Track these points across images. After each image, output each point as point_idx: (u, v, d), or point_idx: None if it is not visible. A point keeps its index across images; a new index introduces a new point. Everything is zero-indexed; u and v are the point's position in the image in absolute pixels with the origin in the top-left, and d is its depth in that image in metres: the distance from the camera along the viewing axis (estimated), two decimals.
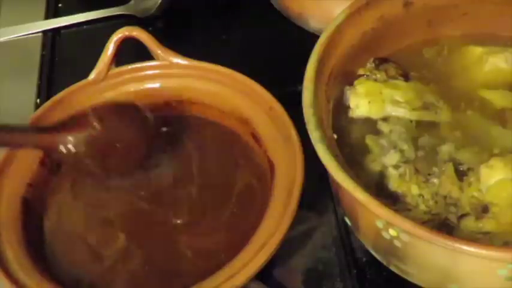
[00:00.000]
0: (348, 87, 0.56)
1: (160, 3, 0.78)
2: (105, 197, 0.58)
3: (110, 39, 0.60)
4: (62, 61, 0.77)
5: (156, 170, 0.59)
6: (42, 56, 0.78)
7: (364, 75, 0.57)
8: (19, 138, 0.53)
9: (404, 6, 0.58)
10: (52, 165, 0.58)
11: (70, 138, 0.52)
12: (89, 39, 0.79)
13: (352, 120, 0.55)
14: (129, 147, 0.55)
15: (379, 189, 0.51)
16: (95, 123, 0.53)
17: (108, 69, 0.61)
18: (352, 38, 0.56)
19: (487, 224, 0.48)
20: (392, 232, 0.47)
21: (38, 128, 0.55)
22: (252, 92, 0.59)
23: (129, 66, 0.62)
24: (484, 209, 0.49)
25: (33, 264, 0.52)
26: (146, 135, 0.56)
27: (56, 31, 0.80)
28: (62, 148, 0.52)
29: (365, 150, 0.53)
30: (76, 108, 0.60)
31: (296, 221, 0.50)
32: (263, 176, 0.56)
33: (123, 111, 0.56)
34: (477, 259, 0.44)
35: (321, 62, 0.53)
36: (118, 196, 0.58)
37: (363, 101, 0.55)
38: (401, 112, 0.55)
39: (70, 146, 0.52)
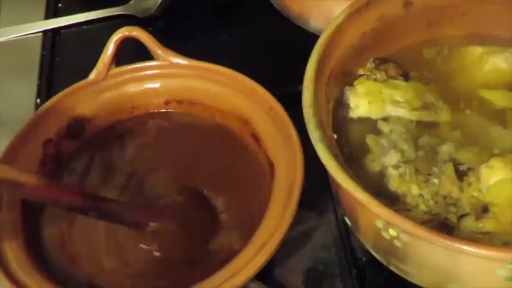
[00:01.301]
0: (348, 87, 0.56)
1: (161, 3, 0.78)
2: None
3: (110, 39, 0.60)
4: (62, 61, 0.77)
5: (156, 171, 0.59)
6: (42, 56, 0.78)
7: (364, 75, 0.57)
8: (118, 210, 0.53)
9: (404, 6, 0.58)
10: (52, 166, 0.59)
11: (157, 224, 0.54)
12: (89, 39, 0.79)
13: (352, 120, 0.55)
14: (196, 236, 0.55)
15: (379, 189, 0.51)
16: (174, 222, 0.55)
17: (108, 69, 0.61)
18: (352, 38, 0.56)
19: (487, 224, 0.48)
20: (392, 232, 0.47)
21: (134, 205, 0.56)
22: (252, 92, 0.59)
23: (129, 66, 0.62)
24: (484, 209, 0.49)
25: (33, 264, 0.52)
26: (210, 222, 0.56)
27: (56, 31, 0.80)
28: (152, 228, 0.54)
29: (365, 150, 0.53)
30: (76, 108, 0.61)
31: (296, 221, 0.50)
32: (263, 176, 0.56)
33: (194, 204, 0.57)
34: (477, 259, 0.44)
35: (321, 62, 0.53)
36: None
37: (363, 101, 0.55)
38: (401, 112, 0.55)
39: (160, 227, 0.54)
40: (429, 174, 0.51)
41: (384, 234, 0.48)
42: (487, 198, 0.49)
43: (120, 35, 0.60)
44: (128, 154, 0.61)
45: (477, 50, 0.59)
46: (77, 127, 0.61)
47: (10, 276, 0.50)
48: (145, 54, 0.61)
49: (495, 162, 0.50)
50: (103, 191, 0.57)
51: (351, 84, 0.56)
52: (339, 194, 0.53)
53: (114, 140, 0.62)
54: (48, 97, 0.66)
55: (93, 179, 0.59)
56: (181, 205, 0.56)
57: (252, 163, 0.58)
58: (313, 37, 0.56)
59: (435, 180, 0.51)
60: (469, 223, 0.49)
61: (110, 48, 0.60)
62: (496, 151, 0.52)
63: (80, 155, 0.60)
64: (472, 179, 0.50)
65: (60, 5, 0.84)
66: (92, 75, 0.61)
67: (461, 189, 0.50)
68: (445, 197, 0.50)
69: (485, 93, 0.56)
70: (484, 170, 0.50)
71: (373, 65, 0.58)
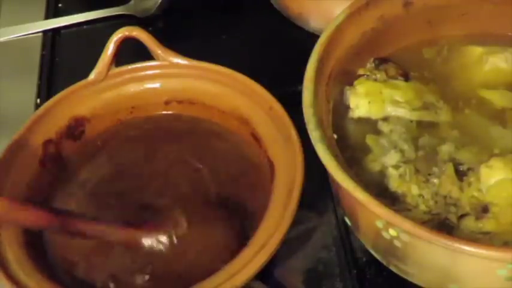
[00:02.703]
0: (348, 87, 0.56)
1: (161, 3, 0.78)
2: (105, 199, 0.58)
3: (110, 39, 0.60)
4: (62, 61, 0.77)
5: (155, 171, 0.59)
6: (42, 56, 0.78)
7: (364, 75, 0.57)
8: (106, 231, 0.50)
9: (404, 6, 0.58)
10: (52, 165, 0.59)
11: (155, 236, 0.51)
12: (89, 39, 0.79)
13: (352, 120, 0.55)
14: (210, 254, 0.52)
15: (379, 189, 0.51)
16: (181, 223, 0.51)
17: (108, 69, 0.61)
18: (352, 38, 0.56)
19: (487, 224, 0.48)
20: (392, 232, 0.47)
21: (124, 223, 0.52)
22: (252, 92, 0.59)
23: (129, 66, 0.62)
24: (484, 209, 0.49)
25: (33, 264, 0.52)
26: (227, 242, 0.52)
27: (56, 31, 0.80)
28: (146, 244, 0.51)
29: (365, 150, 0.54)
30: (76, 108, 0.61)
31: (296, 221, 0.50)
32: (263, 176, 0.56)
33: (210, 212, 0.54)
34: (477, 259, 0.44)
35: (321, 62, 0.53)
36: (117, 199, 0.58)
37: (363, 101, 0.55)
38: (401, 112, 0.55)
39: (154, 243, 0.51)
40: (429, 174, 0.51)
41: (384, 234, 0.48)
42: (487, 198, 0.49)
43: (120, 35, 0.60)
44: (127, 155, 0.61)
45: (477, 50, 0.59)
46: (77, 127, 0.61)
47: (10, 277, 0.50)
48: (145, 54, 0.61)
49: (495, 162, 0.50)
50: (103, 198, 0.57)
51: (351, 84, 0.56)
52: (339, 194, 0.53)
53: (115, 141, 0.62)
54: (48, 97, 0.66)
55: (92, 184, 0.59)
56: (179, 215, 0.52)
57: (251, 163, 0.58)
58: (313, 37, 0.56)
59: (435, 180, 0.51)
60: (469, 223, 0.49)
61: (110, 48, 0.60)
62: (496, 151, 0.52)
63: (81, 156, 0.61)
64: (472, 179, 0.50)
65: (60, 5, 0.84)
66: (92, 75, 0.61)
67: (461, 189, 0.50)
68: (445, 197, 0.50)
69: (485, 93, 0.56)
70: (484, 170, 0.50)
71: (373, 65, 0.58)
